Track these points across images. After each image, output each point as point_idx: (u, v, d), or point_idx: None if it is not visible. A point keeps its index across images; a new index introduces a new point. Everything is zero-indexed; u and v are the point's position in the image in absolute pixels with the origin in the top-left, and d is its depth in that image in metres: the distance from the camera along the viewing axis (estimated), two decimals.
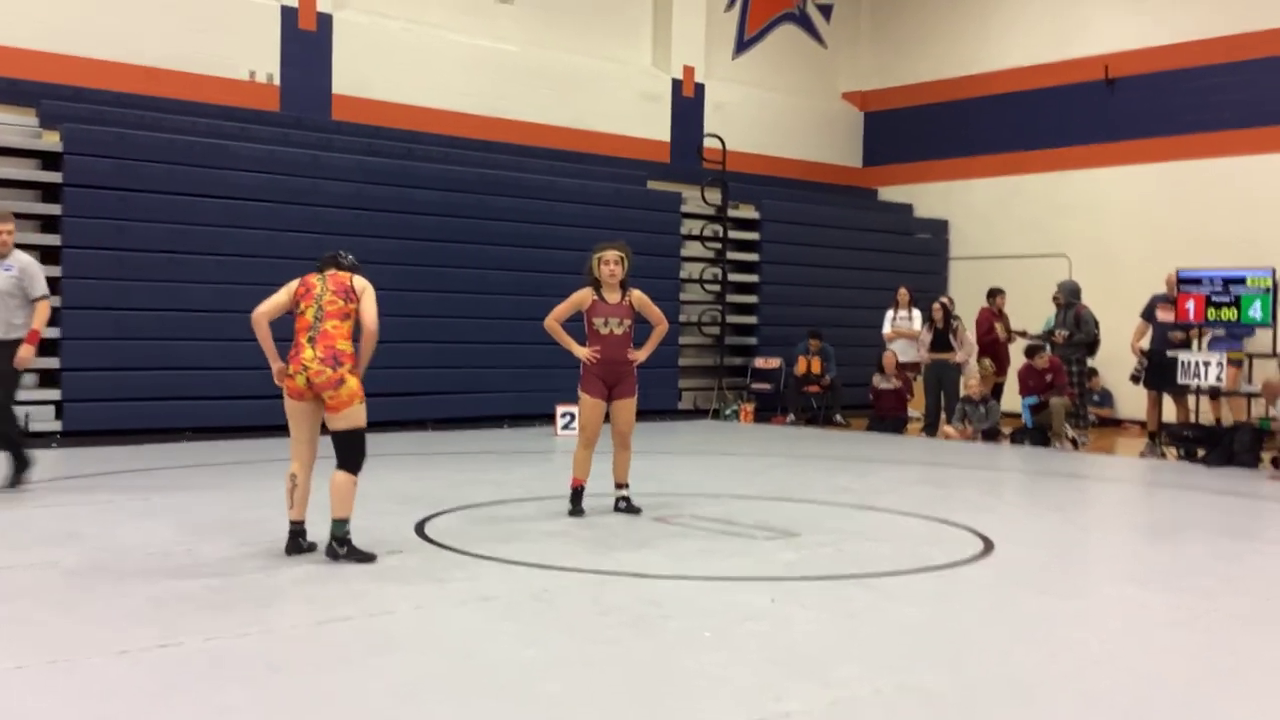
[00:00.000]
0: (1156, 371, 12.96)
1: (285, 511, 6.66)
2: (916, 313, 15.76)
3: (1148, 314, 13.39)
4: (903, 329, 15.72)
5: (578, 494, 8.26)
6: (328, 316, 6.45)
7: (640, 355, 8.27)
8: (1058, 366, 13.77)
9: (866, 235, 18.80)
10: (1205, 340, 13.11)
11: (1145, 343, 13.32)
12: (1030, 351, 14.04)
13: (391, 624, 5.29)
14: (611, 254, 8.19)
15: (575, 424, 13.84)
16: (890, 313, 15.93)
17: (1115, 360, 14.86)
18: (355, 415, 6.47)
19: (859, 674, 4.64)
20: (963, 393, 14.55)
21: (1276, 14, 15.83)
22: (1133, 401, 15.67)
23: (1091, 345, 14.36)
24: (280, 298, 6.63)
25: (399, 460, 11.18)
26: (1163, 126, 16.89)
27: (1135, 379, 13.54)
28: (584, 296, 8.26)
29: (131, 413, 12.20)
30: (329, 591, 5.83)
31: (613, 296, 8.22)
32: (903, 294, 15.92)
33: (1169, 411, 13.29)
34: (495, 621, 5.35)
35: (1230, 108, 16.22)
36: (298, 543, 6.62)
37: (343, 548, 6.41)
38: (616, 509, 8.31)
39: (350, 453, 6.48)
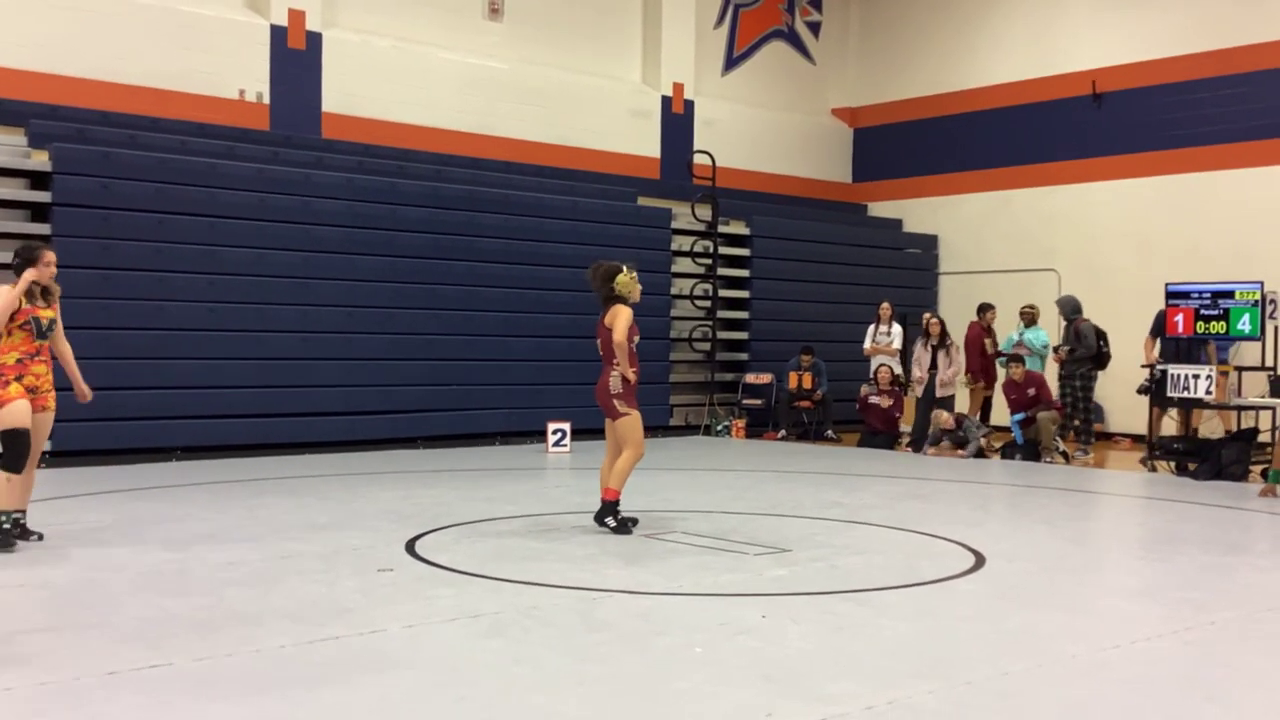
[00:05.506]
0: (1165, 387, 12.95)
1: (15, 503, 7.28)
2: (897, 328, 15.72)
3: (1156, 330, 13.45)
4: (881, 345, 15.68)
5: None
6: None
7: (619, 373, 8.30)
8: (1041, 381, 13.76)
9: (856, 250, 18.83)
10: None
11: (1155, 356, 13.38)
12: (1006, 361, 14.10)
13: (381, 642, 5.27)
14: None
15: (567, 441, 13.91)
16: (871, 328, 15.90)
17: (1108, 374, 14.77)
18: None
19: (851, 690, 4.63)
20: (935, 425, 14.34)
21: (1263, 28, 15.93)
22: (1125, 414, 15.69)
23: (1098, 359, 14.15)
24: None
25: (390, 478, 11.17)
26: (1151, 141, 16.97)
27: (1143, 391, 13.32)
28: None
29: (120, 432, 12.14)
30: (318, 610, 5.81)
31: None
32: (884, 309, 15.85)
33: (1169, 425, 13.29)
34: (485, 639, 5.33)
35: (1218, 121, 16.29)
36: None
37: (16, 529, 7.24)
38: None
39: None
